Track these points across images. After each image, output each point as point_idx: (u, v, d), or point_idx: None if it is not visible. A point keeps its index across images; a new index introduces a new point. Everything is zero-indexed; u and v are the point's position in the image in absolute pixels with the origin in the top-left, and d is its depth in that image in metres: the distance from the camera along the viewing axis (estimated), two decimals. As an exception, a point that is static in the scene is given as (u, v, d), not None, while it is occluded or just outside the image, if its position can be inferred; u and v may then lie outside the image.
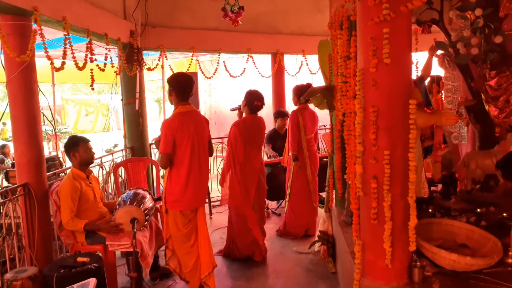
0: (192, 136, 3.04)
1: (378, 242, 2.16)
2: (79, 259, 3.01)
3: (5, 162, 6.83)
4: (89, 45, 3.89)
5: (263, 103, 3.98)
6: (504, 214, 2.84)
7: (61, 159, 4.94)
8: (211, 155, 3.38)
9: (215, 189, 5.86)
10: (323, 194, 4.69)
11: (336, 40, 3.06)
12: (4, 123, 13.92)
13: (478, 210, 2.91)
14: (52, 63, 3.27)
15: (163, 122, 3.10)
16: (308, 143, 4.55)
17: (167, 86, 3.22)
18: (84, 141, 3.35)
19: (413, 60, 3.54)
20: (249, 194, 3.95)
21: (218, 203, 5.99)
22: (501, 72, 2.86)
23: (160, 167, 3.10)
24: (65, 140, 3.46)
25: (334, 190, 3.77)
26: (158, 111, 21.68)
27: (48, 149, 9.42)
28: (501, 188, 3.08)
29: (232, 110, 4.24)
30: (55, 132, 5.53)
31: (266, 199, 5.42)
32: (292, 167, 4.60)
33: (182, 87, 3.09)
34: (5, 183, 4.83)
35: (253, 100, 3.92)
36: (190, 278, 3.20)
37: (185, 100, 3.12)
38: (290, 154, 4.65)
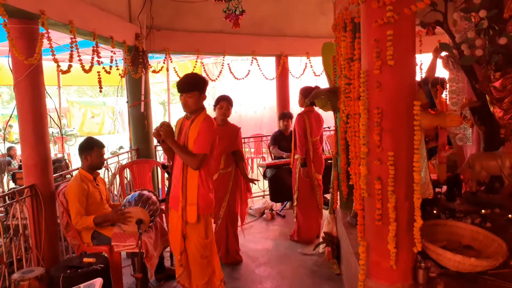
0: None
1: (383, 243, 2.16)
2: (85, 259, 3.04)
3: (12, 164, 6.89)
4: (95, 48, 3.93)
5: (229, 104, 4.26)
6: (510, 215, 2.84)
7: (67, 161, 4.98)
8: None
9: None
10: (328, 196, 4.69)
11: (340, 42, 3.07)
12: (10, 126, 14.03)
13: (483, 211, 2.91)
14: (58, 66, 3.30)
15: (205, 120, 2.81)
16: (314, 145, 4.54)
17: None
18: (99, 147, 3.39)
19: (417, 61, 3.53)
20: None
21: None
22: (505, 74, 2.85)
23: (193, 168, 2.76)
24: (70, 142, 3.49)
25: (338, 192, 3.77)
26: (163, 113, 21.77)
27: (54, 151, 9.49)
28: (506, 190, 3.08)
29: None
30: (62, 134, 5.57)
31: (270, 200, 5.48)
32: (297, 170, 4.59)
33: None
34: (12, 185, 4.87)
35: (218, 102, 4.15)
36: None
37: None
38: (296, 157, 4.64)
